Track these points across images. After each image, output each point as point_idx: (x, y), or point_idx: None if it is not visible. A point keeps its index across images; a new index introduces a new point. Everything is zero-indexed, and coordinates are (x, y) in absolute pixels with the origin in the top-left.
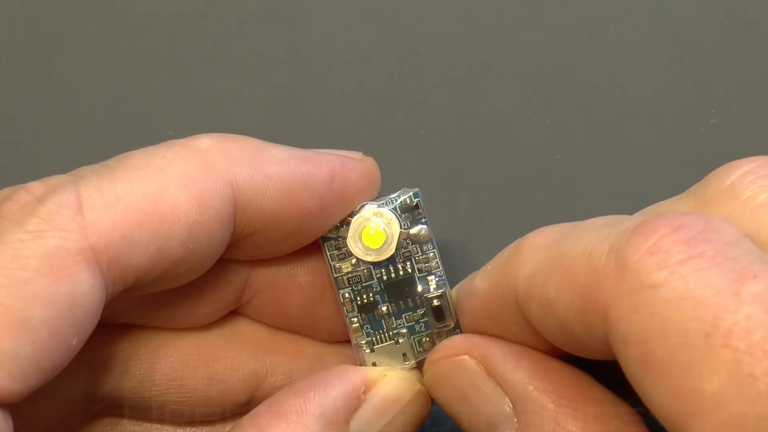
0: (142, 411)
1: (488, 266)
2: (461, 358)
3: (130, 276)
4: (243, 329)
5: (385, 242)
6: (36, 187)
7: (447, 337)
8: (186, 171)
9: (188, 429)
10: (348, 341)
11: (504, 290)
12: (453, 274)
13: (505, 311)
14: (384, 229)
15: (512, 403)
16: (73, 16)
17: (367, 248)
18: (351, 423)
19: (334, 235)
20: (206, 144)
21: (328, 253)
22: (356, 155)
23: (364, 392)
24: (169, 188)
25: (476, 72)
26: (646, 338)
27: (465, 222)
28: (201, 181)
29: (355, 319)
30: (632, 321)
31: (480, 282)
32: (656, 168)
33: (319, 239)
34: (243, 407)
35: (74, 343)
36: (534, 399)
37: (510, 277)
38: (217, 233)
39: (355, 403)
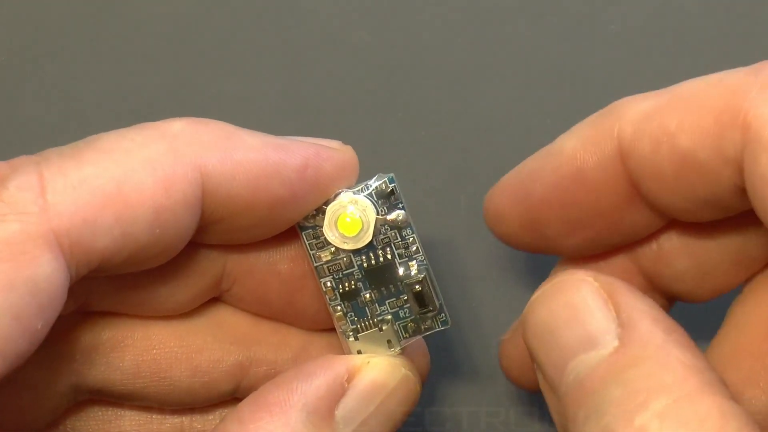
0: (128, 400)
1: (567, 133)
2: (586, 278)
3: (94, 259)
4: (226, 319)
5: (361, 230)
6: (0, 167)
7: (432, 321)
8: (154, 154)
9: (176, 416)
10: (333, 329)
11: (600, 141)
12: (453, 274)
13: (598, 165)
14: (359, 217)
15: (620, 327)
16: (74, 16)
17: (344, 236)
18: (336, 412)
19: (311, 224)
20: (177, 128)
21: (307, 242)
22: (334, 144)
23: (348, 380)
24: (135, 171)
25: (476, 72)
26: None
27: (465, 222)
28: (169, 165)
29: (339, 308)
30: None
31: (565, 142)
32: None
33: (297, 228)
34: (228, 396)
35: (39, 327)
36: (646, 327)
37: (609, 127)
38: (184, 218)
39: (339, 392)
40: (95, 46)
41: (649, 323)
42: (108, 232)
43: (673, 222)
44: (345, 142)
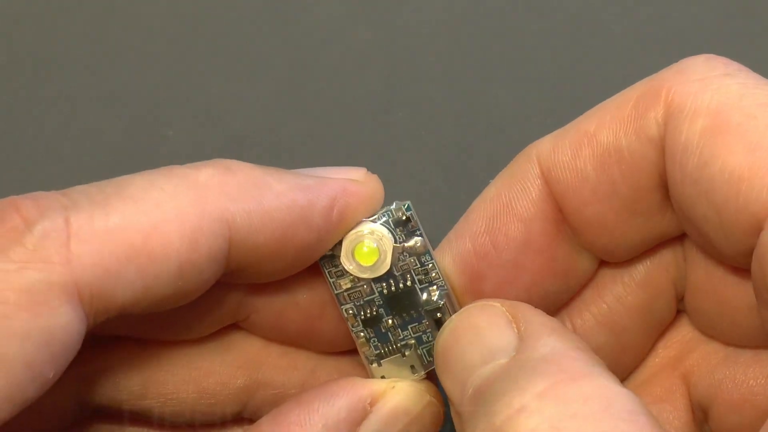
0: (135, 416)
1: (486, 188)
2: (492, 303)
3: (113, 310)
4: (236, 342)
5: (378, 259)
6: (27, 207)
7: None
8: (182, 206)
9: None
10: (344, 353)
11: (520, 170)
12: None
13: (523, 195)
14: (376, 246)
15: (521, 337)
16: (74, 16)
17: (361, 265)
18: None
19: (329, 253)
20: (205, 176)
21: (327, 271)
22: (359, 175)
23: (371, 404)
24: (162, 224)
25: (476, 72)
26: (717, 109)
27: None
28: (196, 218)
29: (362, 334)
30: (702, 98)
31: (487, 191)
32: None
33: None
34: (233, 417)
35: (51, 376)
36: (543, 336)
37: (527, 156)
38: (208, 272)
39: (360, 415)
40: (95, 46)
41: (547, 333)
42: (130, 285)
43: (584, 289)
44: (343, 143)
